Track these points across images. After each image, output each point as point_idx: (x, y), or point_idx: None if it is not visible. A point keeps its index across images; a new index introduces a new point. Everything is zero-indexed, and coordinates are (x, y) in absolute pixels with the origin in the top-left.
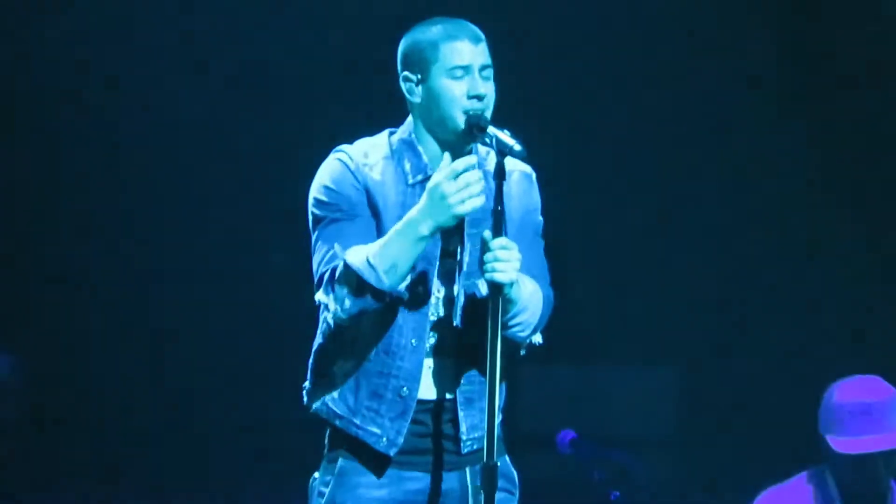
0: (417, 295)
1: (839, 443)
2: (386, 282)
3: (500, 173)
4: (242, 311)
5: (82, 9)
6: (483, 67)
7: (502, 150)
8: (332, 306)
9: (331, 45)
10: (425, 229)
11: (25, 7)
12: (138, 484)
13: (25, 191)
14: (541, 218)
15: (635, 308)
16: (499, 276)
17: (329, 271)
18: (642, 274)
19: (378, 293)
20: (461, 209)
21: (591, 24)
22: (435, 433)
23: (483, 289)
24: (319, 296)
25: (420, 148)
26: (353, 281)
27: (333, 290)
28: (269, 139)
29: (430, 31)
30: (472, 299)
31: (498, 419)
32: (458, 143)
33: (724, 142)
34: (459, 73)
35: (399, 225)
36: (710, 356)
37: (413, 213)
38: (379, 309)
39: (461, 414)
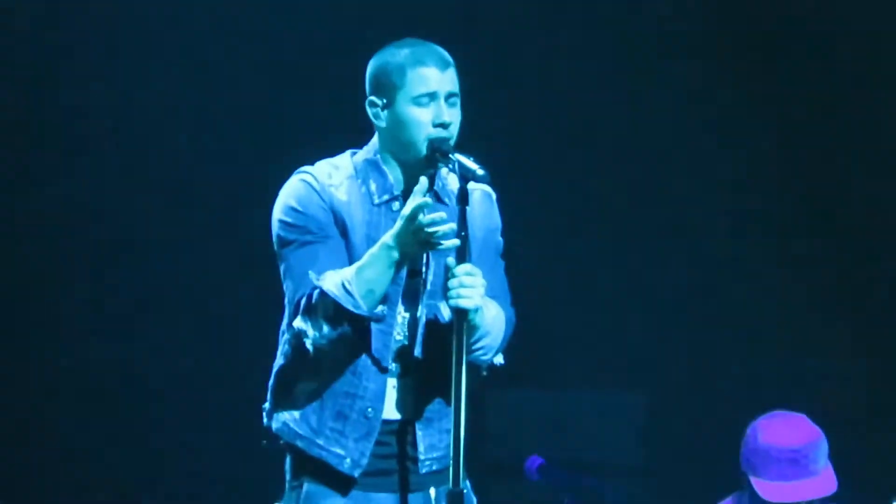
0: (383, 315)
1: (765, 487)
2: (364, 307)
3: (462, 198)
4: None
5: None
6: (449, 95)
7: (465, 175)
8: (310, 332)
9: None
10: (397, 255)
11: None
12: None
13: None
14: (501, 238)
15: (602, 333)
16: (463, 303)
17: (305, 298)
18: (610, 299)
19: (356, 318)
20: (425, 244)
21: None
22: (399, 454)
23: (446, 312)
24: (297, 322)
25: (385, 168)
26: (331, 307)
27: (311, 317)
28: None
29: (398, 56)
30: (434, 321)
31: (446, 435)
32: (422, 166)
33: (688, 168)
34: (425, 100)
35: (374, 249)
36: (677, 381)
37: (387, 237)
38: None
39: (419, 434)
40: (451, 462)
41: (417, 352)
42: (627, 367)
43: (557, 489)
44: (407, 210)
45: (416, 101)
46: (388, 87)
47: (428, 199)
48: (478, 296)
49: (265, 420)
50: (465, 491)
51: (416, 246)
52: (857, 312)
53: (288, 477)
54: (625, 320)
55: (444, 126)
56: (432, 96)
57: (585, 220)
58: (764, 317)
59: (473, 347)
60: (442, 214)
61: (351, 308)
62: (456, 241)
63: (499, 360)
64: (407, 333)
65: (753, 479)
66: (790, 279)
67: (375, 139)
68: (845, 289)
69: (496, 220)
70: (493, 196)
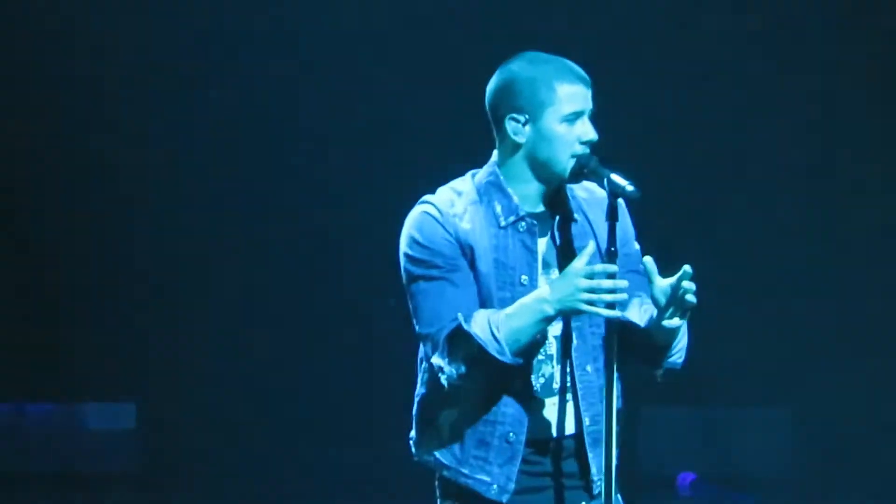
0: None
1: None
2: (508, 353)
3: (612, 215)
4: (354, 353)
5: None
6: (591, 112)
7: (615, 192)
8: (447, 370)
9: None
10: (550, 309)
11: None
12: None
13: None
14: (637, 245)
15: (750, 349)
16: (584, 306)
17: (446, 335)
18: (757, 316)
19: (497, 362)
20: (585, 308)
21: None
22: (552, 472)
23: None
24: (435, 359)
25: (510, 189)
26: (474, 349)
27: (450, 355)
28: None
29: (543, 71)
30: (582, 338)
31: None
32: (556, 184)
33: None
34: (573, 118)
35: (526, 299)
36: (825, 395)
37: (543, 290)
38: None
39: (590, 455)
40: (604, 478)
41: (565, 371)
42: (775, 381)
43: None
44: (572, 268)
45: (566, 118)
46: (534, 103)
47: (610, 268)
48: (603, 297)
49: (413, 450)
50: None
51: (569, 306)
52: None
53: (438, 496)
54: (772, 336)
55: (590, 144)
56: (580, 115)
57: (730, 238)
58: None
59: (674, 351)
60: (623, 283)
61: (495, 354)
62: (617, 314)
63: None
64: (554, 353)
65: None
66: None
67: (495, 157)
68: None
69: (630, 228)
70: (622, 202)
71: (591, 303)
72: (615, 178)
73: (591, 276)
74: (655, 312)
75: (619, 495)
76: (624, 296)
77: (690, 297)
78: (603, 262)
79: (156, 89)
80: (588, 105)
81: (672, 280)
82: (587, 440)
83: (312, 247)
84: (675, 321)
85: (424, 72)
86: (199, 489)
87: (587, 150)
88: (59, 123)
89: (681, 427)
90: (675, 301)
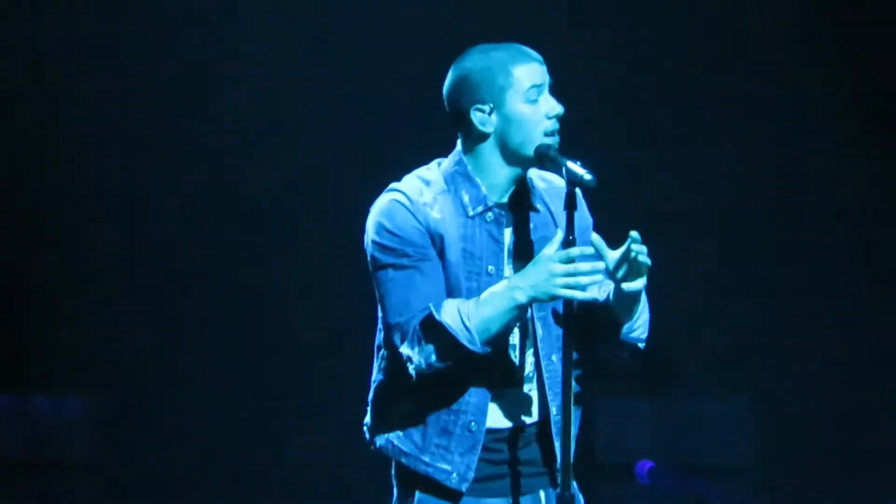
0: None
1: None
2: (478, 343)
3: (570, 204)
4: (326, 343)
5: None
6: (550, 84)
7: (572, 181)
8: (416, 359)
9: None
10: (522, 297)
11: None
12: None
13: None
14: (595, 235)
15: (710, 337)
16: (557, 291)
17: (416, 325)
18: (716, 303)
19: (468, 353)
20: (562, 293)
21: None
22: (511, 460)
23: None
24: (404, 349)
25: (478, 179)
26: (444, 339)
27: (420, 345)
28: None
29: (495, 58)
30: (547, 327)
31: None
32: (527, 169)
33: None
34: (534, 94)
35: (497, 288)
36: (785, 382)
37: (515, 279)
38: None
39: (556, 443)
40: (561, 465)
41: (525, 360)
42: (735, 369)
43: (667, 492)
44: (544, 255)
45: (528, 96)
46: (494, 90)
47: (575, 251)
48: (573, 281)
49: (367, 436)
50: (574, 494)
51: (543, 292)
52: None
53: (395, 483)
54: (732, 324)
55: (558, 117)
56: (539, 89)
57: (686, 223)
58: (872, 318)
59: (636, 326)
60: (600, 265)
61: (466, 343)
62: (593, 296)
63: (641, 345)
64: (515, 343)
65: None
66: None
67: (460, 148)
68: None
69: (588, 217)
70: (580, 193)
71: (569, 287)
72: (572, 166)
73: (567, 261)
74: (612, 288)
75: (575, 483)
76: (601, 277)
77: (643, 258)
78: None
79: (112, 86)
80: (546, 78)
81: (622, 249)
82: (554, 429)
83: (279, 235)
84: (636, 283)
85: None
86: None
87: (557, 126)
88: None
89: (639, 416)
90: (629, 266)
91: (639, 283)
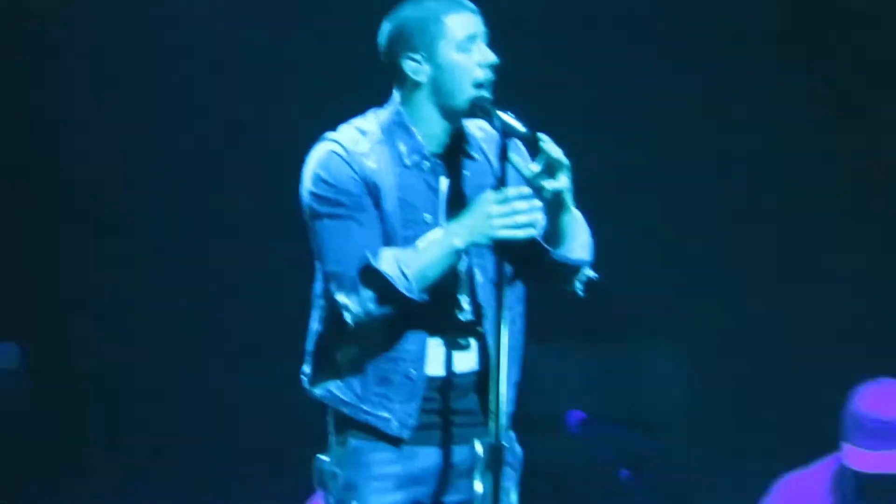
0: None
1: (850, 452)
2: (416, 290)
3: (503, 155)
4: (246, 300)
5: None
6: (485, 34)
7: (507, 132)
8: (353, 308)
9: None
10: (460, 242)
11: None
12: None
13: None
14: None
15: (644, 287)
16: (496, 232)
17: (353, 273)
18: (651, 254)
19: (406, 300)
20: (501, 233)
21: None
22: (454, 409)
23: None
24: (341, 298)
25: (414, 128)
26: (382, 287)
27: (357, 293)
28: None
29: (428, 7)
30: (485, 274)
31: (512, 394)
32: (460, 119)
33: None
34: (467, 43)
35: (434, 234)
36: (719, 334)
37: (452, 225)
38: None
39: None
40: (493, 415)
41: (464, 308)
42: (669, 320)
43: (598, 443)
44: (482, 198)
45: (460, 46)
46: (426, 38)
47: (512, 192)
48: (511, 221)
49: (306, 384)
50: (505, 445)
51: (481, 234)
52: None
53: (332, 430)
54: (666, 274)
55: (491, 67)
56: (473, 38)
57: (626, 169)
58: (804, 268)
59: (574, 246)
60: (524, 204)
61: (404, 291)
62: (532, 231)
63: (592, 272)
64: (454, 290)
65: (843, 443)
66: (834, 224)
67: (396, 97)
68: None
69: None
70: (521, 145)
71: (506, 227)
72: (505, 117)
73: (504, 203)
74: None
75: (511, 432)
76: (539, 215)
77: (556, 154)
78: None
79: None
80: (480, 29)
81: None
82: (493, 376)
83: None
84: (559, 182)
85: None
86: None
87: (490, 76)
88: None
89: (570, 366)
90: (547, 167)
91: (561, 182)
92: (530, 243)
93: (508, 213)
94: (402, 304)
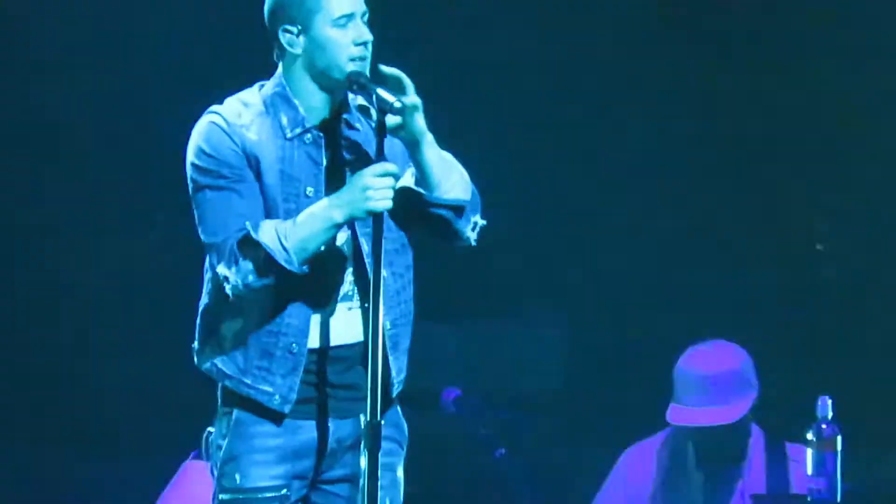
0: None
1: (672, 409)
2: (295, 262)
3: (380, 130)
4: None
5: None
6: (363, 14)
7: (382, 108)
8: (232, 279)
9: None
10: (339, 216)
11: None
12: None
13: None
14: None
15: (522, 262)
16: (378, 205)
17: (233, 244)
18: (528, 231)
19: (284, 272)
20: (378, 205)
21: None
22: (331, 383)
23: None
24: (220, 269)
25: (296, 101)
26: (261, 258)
27: (237, 264)
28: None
29: None
30: (370, 245)
31: (403, 363)
32: (338, 92)
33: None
34: (344, 21)
35: (314, 208)
36: (594, 312)
37: (332, 199)
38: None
39: (391, 358)
40: (370, 392)
41: (345, 280)
42: (545, 298)
43: (474, 421)
44: (360, 174)
45: (336, 23)
46: (303, 12)
47: (389, 166)
48: (389, 194)
49: (195, 360)
50: (382, 422)
51: (359, 209)
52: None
53: (219, 404)
54: (544, 249)
55: (366, 45)
56: (350, 17)
57: (506, 144)
58: (682, 247)
59: (449, 186)
60: (393, 167)
61: (283, 263)
62: (387, 205)
63: (479, 219)
64: (342, 261)
65: (671, 404)
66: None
67: (281, 70)
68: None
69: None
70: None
71: (380, 200)
72: (382, 93)
73: (382, 176)
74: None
75: (398, 406)
76: (389, 189)
77: (390, 70)
78: None
79: None
80: (359, 7)
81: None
82: (388, 343)
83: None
84: (407, 98)
85: None
86: None
87: (365, 53)
88: None
89: (447, 342)
90: (393, 84)
91: (410, 99)
92: (405, 193)
93: (385, 187)
94: (282, 277)
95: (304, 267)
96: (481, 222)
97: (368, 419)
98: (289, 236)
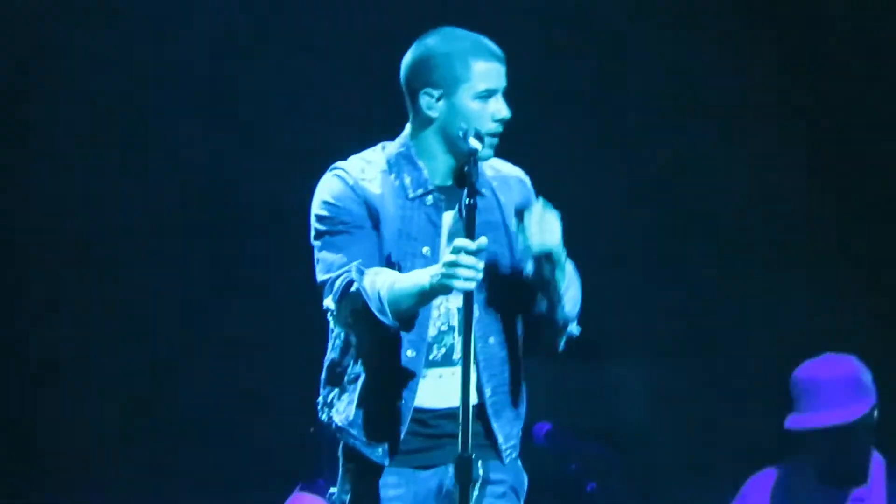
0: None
1: (791, 419)
2: (389, 316)
3: (469, 211)
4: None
5: None
6: (505, 90)
7: (471, 191)
8: (335, 314)
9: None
10: (427, 283)
11: None
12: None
13: None
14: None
15: (606, 303)
16: (459, 284)
17: (344, 283)
18: (612, 269)
19: (381, 321)
20: (459, 285)
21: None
22: (439, 435)
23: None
24: (327, 301)
25: (420, 162)
26: (359, 302)
27: (339, 301)
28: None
29: (458, 46)
30: (485, 309)
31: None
32: (462, 160)
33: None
34: (487, 94)
35: (413, 277)
36: (683, 349)
37: (430, 270)
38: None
39: (494, 424)
40: (461, 425)
41: (454, 340)
42: (633, 335)
43: (564, 455)
44: (453, 249)
45: (480, 95)
46: (448, 79)
47: (476, 244)
48: (473, 276)
49: (318, 413)
50: (472, 456)
51: (447, 284)
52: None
53: (341, 460)
54: (630, 292)
55: (502, 122)
56: (493, 92)
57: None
58: (766, 282)
59: (565, 299)
60: (478, 263)
61: (376, 312)
62: (468, 287)
63: (575, 328)
64: (453, 324)
65: (789, 414)
66: (795, 245)
67: (408, 131)
68: (846, 257)
69: (534, 202)
70: (527, 180)
71: (455, 279)
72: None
73: (456, 254)
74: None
75: (518, 461)
76: (478, 274)
77: (550, 213)
78: (511, 240)
79: None
80: (502, 83)
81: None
82: (489, 410)
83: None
84: (551, 238)
85: (334, 47)
86: None
87: (500, 128)
88: None
89: (537, 379)
90: (539, 226)
91: (553, 238)
92: (528, 285)
93: (470, 266)
94: (379, 324)
95: (398, 322)
96: (575, 332)
97: (459, 453)
98: (386, 287)
